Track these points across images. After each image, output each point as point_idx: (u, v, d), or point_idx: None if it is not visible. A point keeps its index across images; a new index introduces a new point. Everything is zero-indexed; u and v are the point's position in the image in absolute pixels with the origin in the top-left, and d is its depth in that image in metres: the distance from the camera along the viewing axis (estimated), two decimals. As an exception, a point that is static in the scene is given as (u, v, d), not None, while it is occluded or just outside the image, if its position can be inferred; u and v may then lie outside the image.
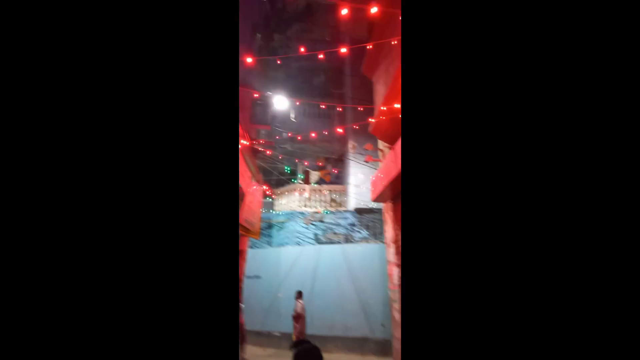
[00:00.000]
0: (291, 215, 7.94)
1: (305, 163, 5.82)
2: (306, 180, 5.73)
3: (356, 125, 4.71)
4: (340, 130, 4.56)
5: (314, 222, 7.68)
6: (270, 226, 8.21)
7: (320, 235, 7.80)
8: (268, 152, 5.20)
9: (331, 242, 7.60)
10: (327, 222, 7.78)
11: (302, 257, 7.45)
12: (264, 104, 5.61)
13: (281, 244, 7.96)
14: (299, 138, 5.57)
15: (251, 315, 7.24)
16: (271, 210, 8.32)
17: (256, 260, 7.74)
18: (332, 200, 8.23)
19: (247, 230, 4.92)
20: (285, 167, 7.31)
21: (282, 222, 7.99)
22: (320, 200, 8.21)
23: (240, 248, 4.89)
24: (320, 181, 8.50)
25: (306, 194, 7.50)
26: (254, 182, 5.04)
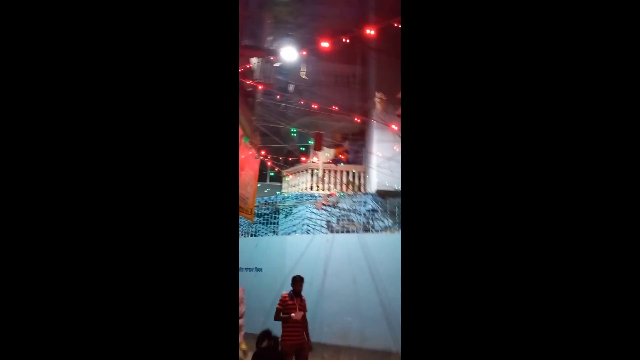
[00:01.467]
0: (300, 198, 6.72)
1: (314, 106, 4.46)
2: (317, 146, 4.47)
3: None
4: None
5: (326, 207, 6.42)
6: (275, 211, 7.01)
7: (334, 223, 6.54)
8: (260, 86, 3.91)
9: (347, 231, 6.34)
10: (342, 207, 6.51)
11: (312, 248, 6.20)
12: (260, 21, 4.23)
13: (287, 232, 6.75)
14: (304, 76, 4.22)
15: (249, 315, 6.10)
16: (277, 192, 7.11)
17: (258, 249, 6.58)
18: (349, 182, 6.94)
19: (235, 207, 3.66)
20: (291, 129, 5.99)
21: (290, 207, 6.78)
22: (335, 182, 6.94)
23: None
24: (336, 160, 7.21)
25: (318, 172, 6.20)
26: (247, 145, 3.79)
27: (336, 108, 4.22)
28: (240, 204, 3.76)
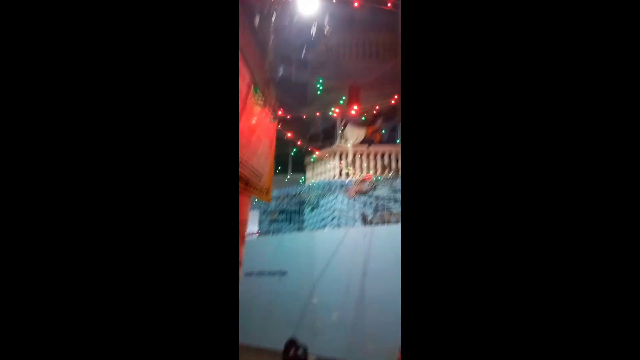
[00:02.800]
0: (328, 186, 5.64)
1: (356, 3, 3.31)
2: (352, 99, 3.41)
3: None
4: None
5: (360, 195, 5.30)
6: (300, 204, 5.96)
7: (370, 214, 5.42)
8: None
9: (387, 222, 5.19)
10: (379, 195, 5.38)
11: (346, 245, 5.08)
12: None
13: (315, 228, 5.68)
14: (327, 34, 3.02)
15: (273, 329, 5.05)
16: (301, 180, 6.04)
17: (280, 249, 5.54)
18: (385, 166, 5.79)
19: (246, 182, 2.64)
20: (317, 80, 4.85)
21: (316, 197, 5.71)
22: (368, 166, 5.82)
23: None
24: (367, 141, 6.08)
25: (348, 150, 5.08)
26: (258, 101, 2.75)
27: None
28: (252, 180, 2.69)
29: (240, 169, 2.51)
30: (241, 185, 2.64)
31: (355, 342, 4.48)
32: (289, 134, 3.39)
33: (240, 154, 2.51)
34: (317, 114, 4.50)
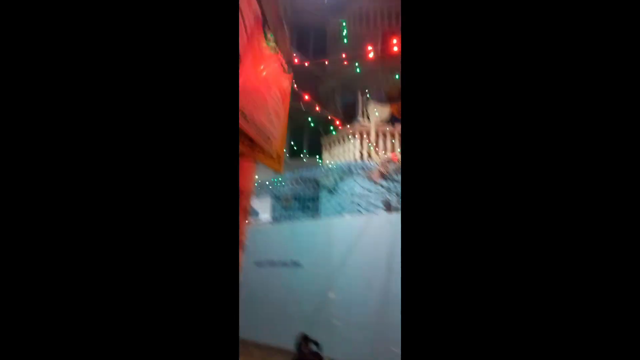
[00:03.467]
0: (348, 168, 5.05)
1: None
2: (390, 37, 2.80)
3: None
4: None
5: (385, 177, 4.68)
6: (316, 188, 5.40)
7: (394, 200, 4.81)
8: None
9: (415, 210, 4.57)
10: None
11: (368, 234, 4.51)
12: None
13: (333, 214, 5.11)
14: None
15: (286, 326, 4.55)
16: (319, 161, 5.47)
17: (294, 238, 5.02)
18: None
19: (250, 144, 2.09)
20: (342, 26, 4.24)
21: (334, 181, 5.13)
22: (392, 148, 5.19)
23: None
24: (393, 119, 5.44)
25: (371, 128, 4.47)
26: (269, 45, 2.19)
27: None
28: (259, 141, 2.12)
29: (243, 126, 1.94)
30: (244, 147, 2.08)
31: (377, 345, 3.90)
32: (306, 96, 2.79)
33: (245, 107, 1.94)
34: (344, 56, 3.86)
